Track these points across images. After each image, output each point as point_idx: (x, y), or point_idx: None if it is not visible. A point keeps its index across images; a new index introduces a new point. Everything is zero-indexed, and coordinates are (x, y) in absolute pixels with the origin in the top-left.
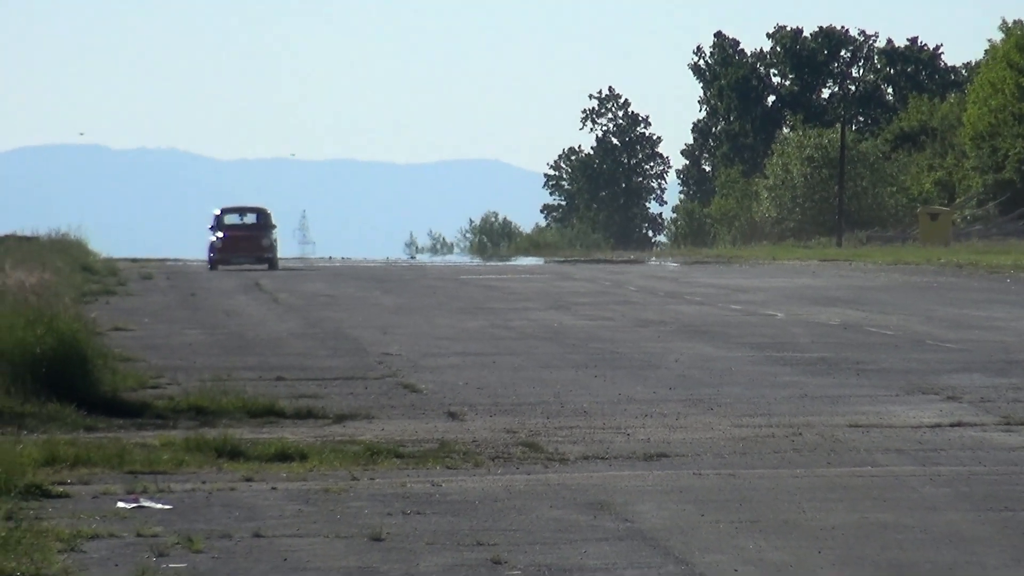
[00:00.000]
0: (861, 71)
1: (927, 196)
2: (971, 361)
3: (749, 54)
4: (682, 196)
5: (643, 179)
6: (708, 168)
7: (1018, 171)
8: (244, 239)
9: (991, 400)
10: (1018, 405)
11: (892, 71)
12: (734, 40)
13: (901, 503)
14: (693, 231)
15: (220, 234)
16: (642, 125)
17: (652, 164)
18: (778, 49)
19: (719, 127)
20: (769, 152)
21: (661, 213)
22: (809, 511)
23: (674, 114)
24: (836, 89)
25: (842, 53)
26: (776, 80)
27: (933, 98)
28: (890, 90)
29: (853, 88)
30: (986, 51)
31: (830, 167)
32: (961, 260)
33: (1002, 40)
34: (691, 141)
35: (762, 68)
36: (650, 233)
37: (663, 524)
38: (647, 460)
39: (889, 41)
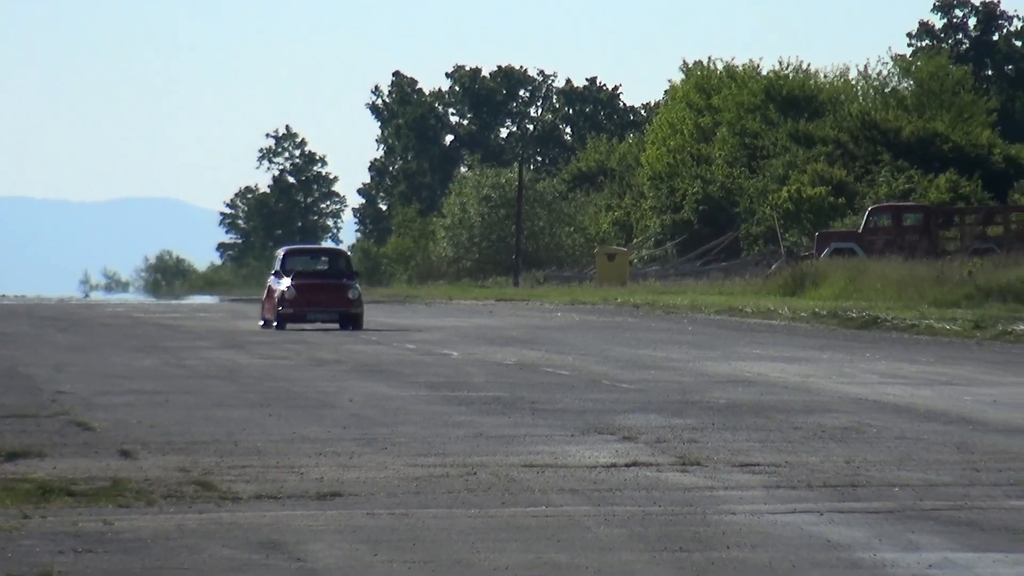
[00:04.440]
0: (540, 111)
1: (605, 236)
2: (647, 401)
3: (428, 93)
4: (358, 235)
5: (319, 218)
6: (385, 207)
7: (696, 211)
8: (323, 288)
9: (667, 440)
10: (694, 445)
11: (571, 111)
12: (412, 79)
13: (575, 543)
14: (369, 270)
15: (288, 282)
16: (319, 164)
17: (328, 203)
18: (456, 88)
19: (396, 166)
20: (447, 191)
21: None
22: (483, 551)
23: (351, 153)
24: (514, 128)
25: (521, 93)
26: (454, 119)
27: (612, 138)
28: (568, 130)
29: (531, 128)
30: (666, 91)
31: (508, 206)
32: (638, 300)
33: (682, 81)
34: (368, 180)
35: (440, 107)
36: None
37: (336, 564)
38: (320, 499)
39: (568, 81)
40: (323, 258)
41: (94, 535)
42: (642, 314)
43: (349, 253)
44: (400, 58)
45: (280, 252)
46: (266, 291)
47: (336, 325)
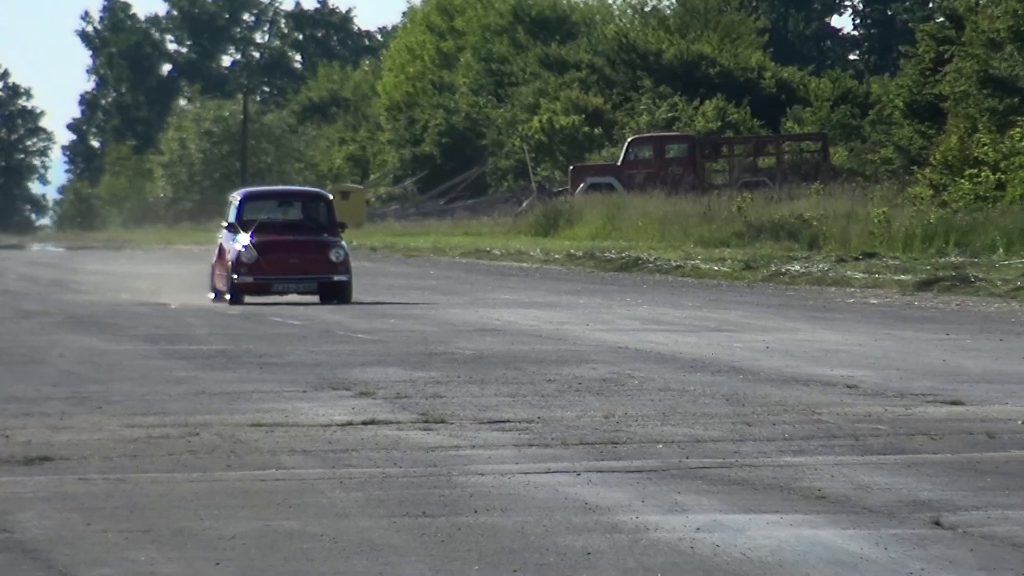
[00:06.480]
0: (266, 36)
1: (339, 172)
2: (386, 353)
3: (142, 19)
4: (69, 175)
5: (25, 156)
6: (97, 144)
7: (438, 144)
8: (294, 247)
9: (408, 396)
10: (437, 401)
11: (300, 36)
12: (125, 3)
13: (308, 509)
14: (81, 213)
15: (245, 239)
16: (24, 97)
17: (35, 140)
18: (174, 13)
19: (109, 99)
20: (164, 126)
21: (45, 194)
22: (207, 519)
23: (59, 85)
24: (238, 56)
25: (245, 17)
26: (172, 47)
27: (345, 66)
28: (298, 57)
29: (257, 55)
30: (404, 14)
31: (231, 142)
32: (375, 242)
33: (422, 2)
34: (78, 114)
35: (157, 34)
36: (33, 216)
37: (45, 535)
38: (28, 464)
39: (297, 4)
40: (295, 204)
41: None
42: (380, 258)
43: (331, 198)
44: None
45: (236, 197)
46: (217, 250)
47: (315, 298)
